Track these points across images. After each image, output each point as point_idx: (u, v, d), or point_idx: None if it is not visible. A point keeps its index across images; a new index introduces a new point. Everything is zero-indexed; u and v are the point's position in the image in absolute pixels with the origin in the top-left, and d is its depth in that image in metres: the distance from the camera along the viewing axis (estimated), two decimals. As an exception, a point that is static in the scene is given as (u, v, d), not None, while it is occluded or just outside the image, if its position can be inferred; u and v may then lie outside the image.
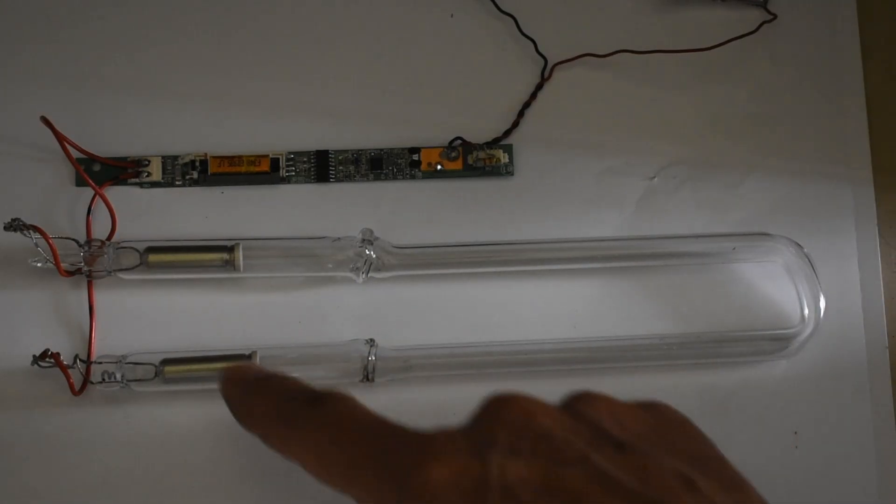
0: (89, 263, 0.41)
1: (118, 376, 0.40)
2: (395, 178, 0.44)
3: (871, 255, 0.45)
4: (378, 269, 0.42)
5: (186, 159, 0.43)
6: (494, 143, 0.44)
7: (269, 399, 0.31)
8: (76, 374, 0.40)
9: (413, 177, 0.44)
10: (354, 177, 0.44)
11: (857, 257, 0.44)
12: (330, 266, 0.42)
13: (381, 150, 0.44)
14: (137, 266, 0.41)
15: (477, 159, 0.44)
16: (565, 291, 0.43)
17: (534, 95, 0.45)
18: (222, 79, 0.44)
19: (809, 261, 0.43)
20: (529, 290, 0.43)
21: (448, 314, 0.43)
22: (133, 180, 0.43)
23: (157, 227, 0.43)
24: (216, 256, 0.41)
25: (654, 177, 0.45)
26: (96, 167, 0.43)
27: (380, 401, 0.41)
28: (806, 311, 0.43)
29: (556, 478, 0.25)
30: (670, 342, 0.42)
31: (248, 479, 0.41)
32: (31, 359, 0.39)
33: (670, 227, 0.44)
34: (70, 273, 0.41)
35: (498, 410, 0.28)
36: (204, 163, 0.43)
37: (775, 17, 0.46)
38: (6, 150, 0.43)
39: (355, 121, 0.44)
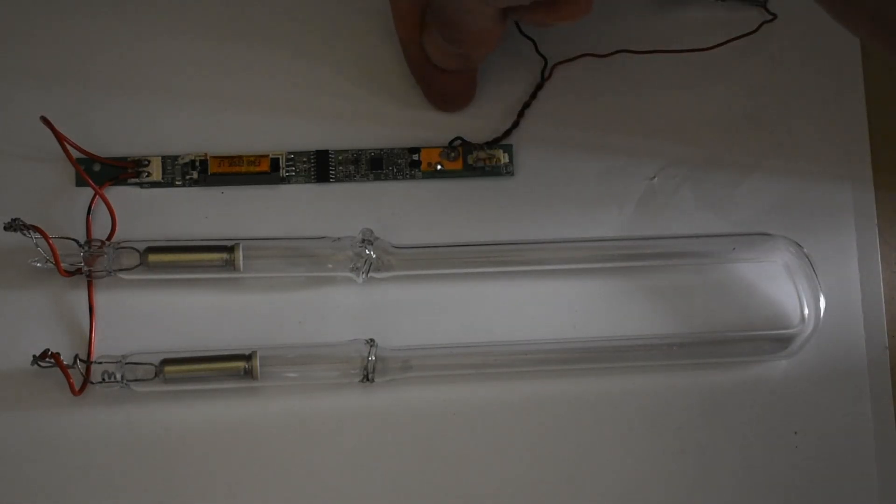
0: (89, 263, 0.41)
1: (118, 376, 0.40)
2: (395, 178, 0.44)
3: (871, 255, 0.45)
4: (378, 269, 0.42)
5: (186, 159, 0.43)
6: (494, 143, 0.44)
7: None
8: (76, 374, 0.40)
9: (413, 177, 0.44)
10: (354, 177, 0.44)
11: (857, 257, 0.44)
12: (330, 266, 0.42)
13: (381, 150, 0.44)
14: (137, 266, 0.41)
15: (477, 159, 0.44)
16: (565, 291, 0.43)
17: (534, 95, 0.45)
18: (222, 79, 0.44)
19: (809, 261, 0.43)
20: (529, 290, 0.43)
21: (448, 314, 0.43)
22: (133, 180, 0.43)
23: (157, 227, 0.43)
24: (216, 256, 0.41)
25: (654, 177, 0.45)
26: (96, 167, 0.43)
27: (380, 401, 0.42)
28: (806, 311, 0.43)
29: None
30: (670, 342, 0.42)
31: (247, 478, 0.41)
32: (31, 359, 0.39)
33: (670, 227, 0.44)
34: (70, 273, 0.41)
35: None
36: (204, 163, 0.43)
37: (775, 17, 0.46)
38: (6, 150, 0.43)
39: (355, 121, 0.44)
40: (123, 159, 0.43)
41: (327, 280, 0.43)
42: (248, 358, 0.40)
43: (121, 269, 0.41)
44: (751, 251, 0.43)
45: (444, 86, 0.43)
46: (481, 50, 0.41)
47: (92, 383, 0.40)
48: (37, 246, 0.40)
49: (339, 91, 0.45)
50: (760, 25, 0.45)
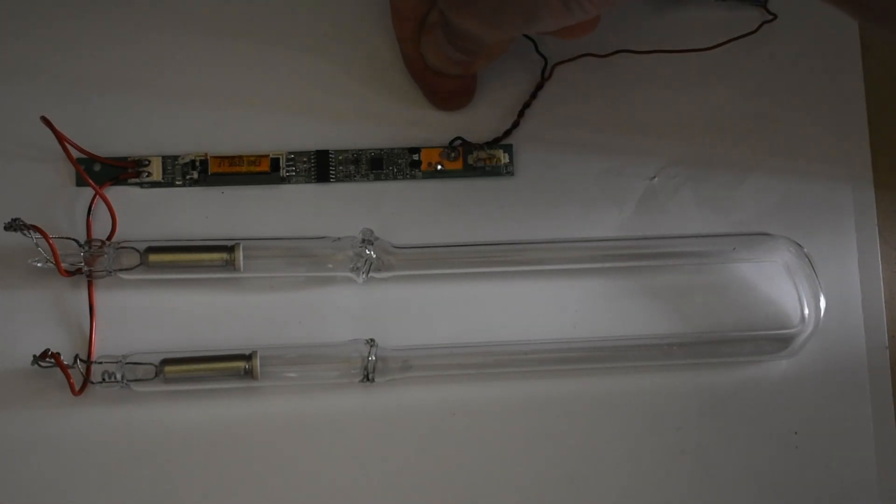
0: (89, 263, 0.41)
1: (118, 376, 0.40)
2: (395, 178, 0.44)
3: (871, 255, 0.45)
4: (378, 269, 0.42)
5: (186, 159, 0.43)
6: (494, 143, 0.44)
7: None
8: (76, 374, 0.40)
9: (413, 177, 0.44)
10: (354, 177, 0.44)
11: (857, 257, 0.44)
12: (330, 266, 0.42)
13: (381, 150, 0.44)
14: (137, 266, 0.41)
15: (477, 159, 0.44)
16: (565, 291, 0.43)
17: (534, 95, 0.45)
18: (222, 79, 0.44)
19: (809, 261, 0.43)
20: (529, 290, 0.43)
21: (448, 314, 0.43)
22: (133, 180, 0.43)
23: (157, 227, 0.43)
24: (216, 256, 0.41)
25: (654, 177, 0.45)
26: (96, 167, 0.43)
27: (380, 400, 0.42)
28: (806, 311, 0.43)
29: None
30: (670, 342, 0.42)
31: (248, 478, 0.41)
32: (32, 359, 0.39)
33: (670, 227, 0.44)
34: (70, 273, 0.41)
35: None
36: (204, 163, 0.43)
37: (775, 17, 0.46)
38: (6, 150, 0.43)
39: (355, 121, 0.44)
40: (123, 159, 0.43)
41: (327, 280, 0.43)
42: (248, 358, 0.40)
43: (121, 269, 0.41)
44: (751, 251, 0.43)
45: (443, 86, 0.43)
46: (488, 60, 0.41)
47: (92, 383, 0.40)
48: (37, 246, 0.40)
49: (339, 91, 0.45)
50: (760, 25, 0.45)
